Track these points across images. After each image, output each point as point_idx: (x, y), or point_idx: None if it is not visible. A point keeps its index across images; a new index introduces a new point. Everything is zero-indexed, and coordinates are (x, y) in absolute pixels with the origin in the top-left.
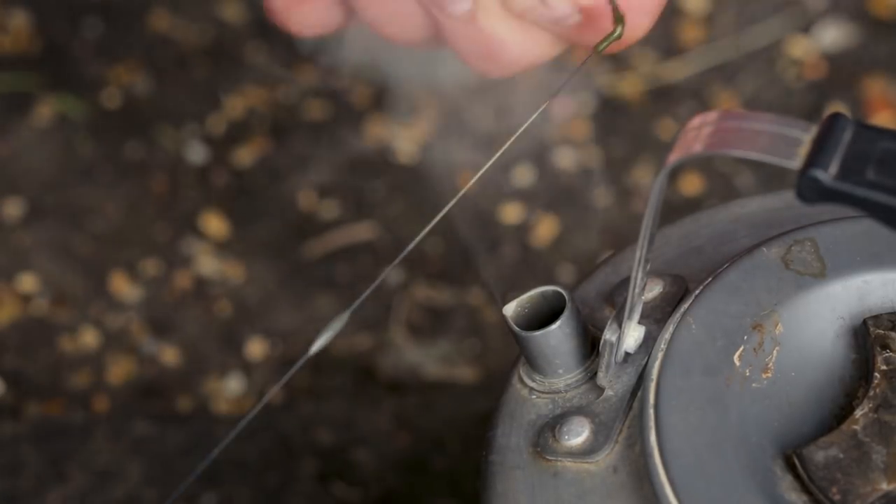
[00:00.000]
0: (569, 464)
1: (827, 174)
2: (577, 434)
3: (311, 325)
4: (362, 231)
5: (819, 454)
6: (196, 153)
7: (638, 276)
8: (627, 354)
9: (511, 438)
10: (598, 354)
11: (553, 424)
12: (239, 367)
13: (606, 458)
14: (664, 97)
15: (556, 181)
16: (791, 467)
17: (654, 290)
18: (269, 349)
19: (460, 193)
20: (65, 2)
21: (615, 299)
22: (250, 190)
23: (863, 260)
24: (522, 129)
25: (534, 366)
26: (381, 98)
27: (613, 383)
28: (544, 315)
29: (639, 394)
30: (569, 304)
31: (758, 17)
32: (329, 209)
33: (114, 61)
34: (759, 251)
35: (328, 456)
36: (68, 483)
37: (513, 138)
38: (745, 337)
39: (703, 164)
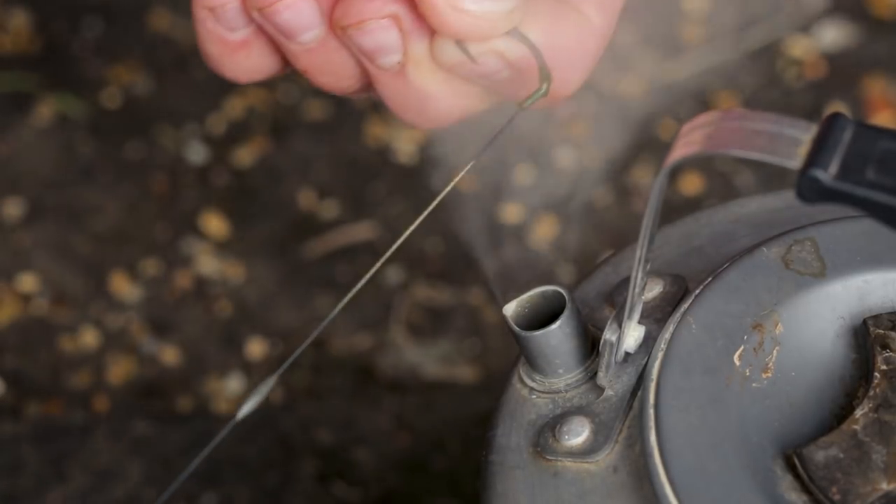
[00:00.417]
0: (569, 464)
1: (827, 174)
2: (577, 434)
3: (311, 325)
4: (362, 231)
5: (819, 454)
6: (196, 153)
7: (638, 275)
8: (627, 354)
9: (511, 438)
10: (598, 354)
11: (553, 424)
12: (239, 367)
13: (606, 458)
14: (664, 97)
15: (556, 181)
16: (791, 467)
17: (654, 289)
18: (269, 349)
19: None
20: (65, 2)
21: (615, 299)
22: (250, 190)
23: (863, 260)
24: (456, 179)
25: (534, 366)
26: None
27: (613, 383)
28: (544, 315)
29: (639, 394)
30: (569, 304)
31: (758, 17)
32: (329, 209)
33: (114, 61)
34: (759, 251)
35: (328, 456)
36: (68, 483)
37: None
38: (745, 337)
39: (703, 164)
